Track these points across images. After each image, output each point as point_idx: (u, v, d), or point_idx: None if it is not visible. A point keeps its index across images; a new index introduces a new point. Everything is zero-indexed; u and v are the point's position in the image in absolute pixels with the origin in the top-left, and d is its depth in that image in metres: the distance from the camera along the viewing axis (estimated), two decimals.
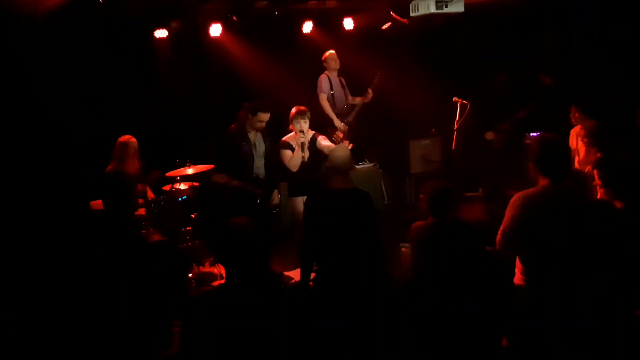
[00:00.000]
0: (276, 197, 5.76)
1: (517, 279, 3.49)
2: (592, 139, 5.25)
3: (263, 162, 5.62)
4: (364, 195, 4.14)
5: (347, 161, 4.11)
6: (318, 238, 3.98)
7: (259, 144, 5.60)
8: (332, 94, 7.16)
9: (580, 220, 3.33)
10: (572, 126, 5.94)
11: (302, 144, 5.36)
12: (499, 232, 3.46)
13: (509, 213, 3.41)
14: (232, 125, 5.67)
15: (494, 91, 7.36)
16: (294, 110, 5.44)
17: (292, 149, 5.44)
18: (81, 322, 3.33)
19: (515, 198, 3.41)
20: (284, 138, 5.55)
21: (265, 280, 2.89)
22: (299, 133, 5.37)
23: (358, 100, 7.33)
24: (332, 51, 7.19)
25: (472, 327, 3.43)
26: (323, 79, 7.14)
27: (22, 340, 3.67)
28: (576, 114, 5.83)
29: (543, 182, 3.41)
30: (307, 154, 5.39)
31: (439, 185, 3.88)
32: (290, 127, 5.48)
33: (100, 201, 5.21)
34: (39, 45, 5.77)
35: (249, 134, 5.52)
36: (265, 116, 5.38)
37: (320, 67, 7.25)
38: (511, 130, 7.09)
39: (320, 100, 7.11)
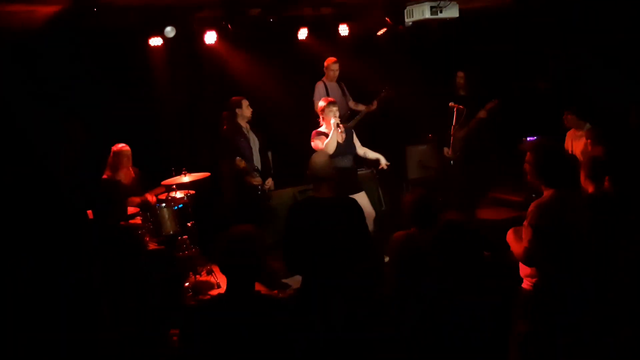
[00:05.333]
0: (270, 183, 6.15)
1: (526, 284, 3.47)
2: (597, 143, 5.23)
3: (259, 156, 6.08)
4: (351, 203, 4.04)
5: (328, 166, 3.97)
6: (306, 251, 3.81)
7: (254, 139, 6.06)
8: None
9: (588, 226, 3.33)
10: (567, 129, 5.95)
11: (338, 125, 5.60)
12: (522, 251, 3.37)
13: (527, 231, 3.34)
14: (225, 127, 5.99)
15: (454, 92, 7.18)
16: (324, 102, 5.73)
17: (326, 137, 5.63)
18: (78, 331, 3.30)
19: (530, 209, 3.36)
20: (315, 130, 5.79)
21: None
22: (333, 118, 5.60)
23: (361, 107, 7.34)
24: (334, 59, 7.15)
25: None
26: (318, 86, 7.13)
27: (20, 348, 3.65)
28: (569, 116, 5.83)
29: (547, 192, 3.38)
30: (342, 135, 5.71)
31: (420, 194, 3.75)
32: (322, 118, 5.76)
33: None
34: (33, 54, 5.77)
35: (243, 129, 5.99)
36: (247, 102, 6.00)
37: (314, 73, 7.25)
38: (468, 136, 7.00)
39: (317, 107, 7.10)
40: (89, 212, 3.52)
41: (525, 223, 3.38)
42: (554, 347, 3.29)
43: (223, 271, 2.75)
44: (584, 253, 3.31)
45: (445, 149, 6.97)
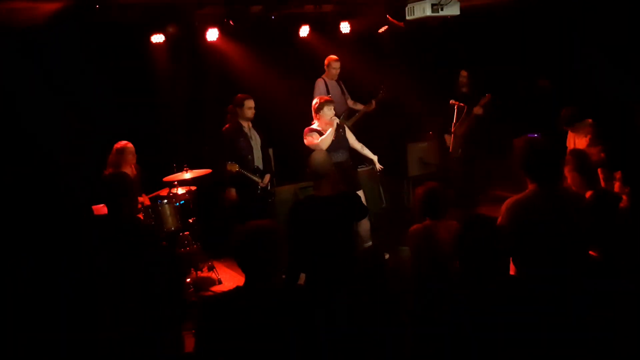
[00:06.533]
0: (267, 180, 6.14)
1: None
2: (597, 139, 5.24)
3: (261, 153, 6.08)
4: (352, 198, 4.09)
5: (328, 163, 4.01)
6: (307, 249, 3.85)
7: (255, 137, 6.07)
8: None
9: (570, 224, 3.28)
10: (564, 126, 5.93)
11: (338, 124, 5.75)
12: None
13: (499, 221, 3.37)
14: (227, 125, 6.03)
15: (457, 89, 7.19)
16: (319, 100, 5.82)
17: (320, 134, 5.73)
18: (78, 331, 3.31)
19: (505, 206, 3.37)
20: (308, 127, 5.86)
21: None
22: (332, 117, 5.73)
23: (360, 107, 7.37)
24: (336, 57, 7.14)
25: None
26: (319, 84, 7.12)
27: (20, 348, 3.67)
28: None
29: (531, 186, 3.36)
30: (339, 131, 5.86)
31: (428, 187, 3.87)
32: (315, 116, 5.81)
33: (101, 206, 5.25)
34: (35, 51, 5.78)
35: (244, 129, 5.98)
36: (250, 102, 5.95)
37: (316, 71, 7.24)
38: (468, 133, 6.96)
39: None
40: (104, 206, 3.49)
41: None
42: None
43: (241, 265, 2.75)
44: (568, 250, 3.27)
45: (446, 136, 6.98)
